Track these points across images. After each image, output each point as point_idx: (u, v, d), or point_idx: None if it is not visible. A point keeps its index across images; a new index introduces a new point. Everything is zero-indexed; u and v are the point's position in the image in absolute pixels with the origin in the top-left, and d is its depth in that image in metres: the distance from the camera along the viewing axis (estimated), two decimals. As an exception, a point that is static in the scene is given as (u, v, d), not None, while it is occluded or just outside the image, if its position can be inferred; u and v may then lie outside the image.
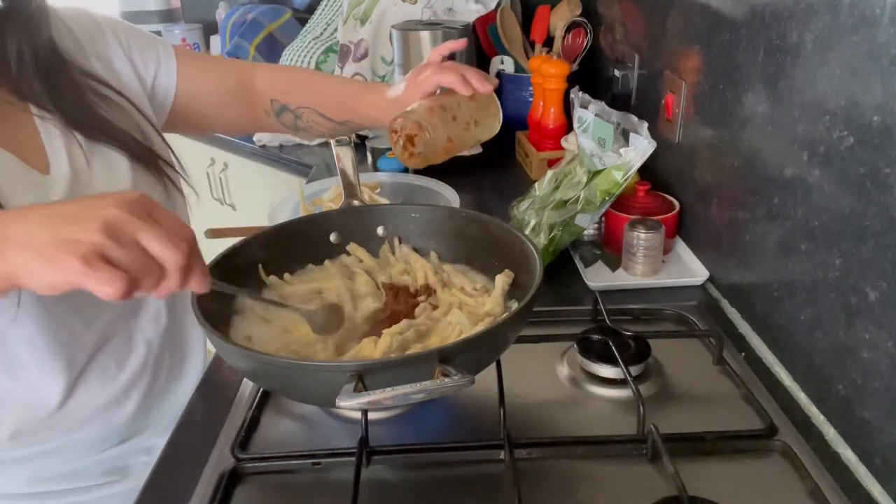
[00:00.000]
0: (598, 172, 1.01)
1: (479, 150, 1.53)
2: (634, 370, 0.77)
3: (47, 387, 0.76)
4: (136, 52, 0.86)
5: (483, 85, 0.83)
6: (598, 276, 1.02)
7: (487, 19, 1.65)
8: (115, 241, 0.47)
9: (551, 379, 0.80)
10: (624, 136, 1.00)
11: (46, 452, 0.78)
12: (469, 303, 0.76)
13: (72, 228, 0.47)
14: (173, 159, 0.87)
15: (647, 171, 1.10)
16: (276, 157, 1.70)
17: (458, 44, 0.90)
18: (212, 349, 0.76)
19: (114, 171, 0.78)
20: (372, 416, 0.71)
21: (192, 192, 0.89)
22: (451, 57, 0.93)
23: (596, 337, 0.81)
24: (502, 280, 0.76)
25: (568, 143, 1.31)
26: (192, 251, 0.52)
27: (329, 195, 1.13)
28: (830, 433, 0.70)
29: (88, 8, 0.85)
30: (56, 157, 0.74)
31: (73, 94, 0.76)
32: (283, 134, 1.04)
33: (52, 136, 0.74)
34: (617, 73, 1.38)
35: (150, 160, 0.81)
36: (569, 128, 1.33)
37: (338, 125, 0.94)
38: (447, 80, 0.83)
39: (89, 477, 0.81)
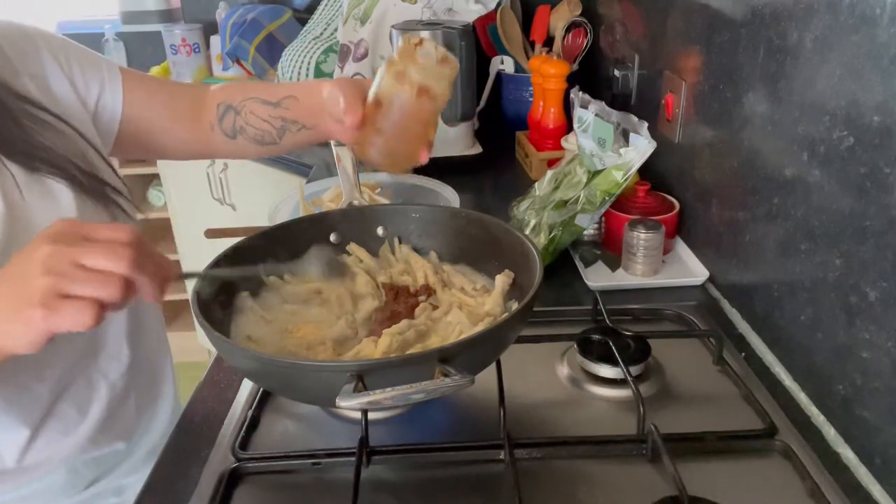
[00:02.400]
0: (598, 172, 1.01)
1: (479, 150, 1.53)
2: (634, 370, 0.77)
3: (2, 445, 0.72)
4: (78, 73, 0.78)
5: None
6: (598, 276, 1.02)
7: (487, 19, 1.65)
8: (61, 275, 0.48)
9: (551, 379, 0.80)
10: (624, 136, 1.00)
11: (11, 502, 0.75)
12: (469, 303, 0.76)
13: (19, 286, 0.48)
14: (121, 185, 0.80)
15: (647, 171, 1.10)
16: (276, 157, 1.69)
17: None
18: (211, 351, 0.75)
19: (56, 202, 0.71)
20: (372, 416, 0.71)
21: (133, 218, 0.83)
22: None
23: (596, 337, 0.81)
24: (502, 280, 0.76)
25: (568, 143, 1.32)
26: (138, 248, 0.51)
27: (329, 195, 1.13)
28: (830, 433, 0.70)
29: (19, 21, 0.76)
30: None
31: (4, 119, 0.68)
32: (222, 158, 0.99)
33: None
34: (617, 73, 1.38)
35: (96, 189, 0.74)
36: (569, 128, 1.33)
37: (274, 107, 0.87)
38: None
39: None
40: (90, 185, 0.74)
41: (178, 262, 2.46)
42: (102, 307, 0.49)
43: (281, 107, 0.87)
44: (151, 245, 0.53)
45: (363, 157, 0.76)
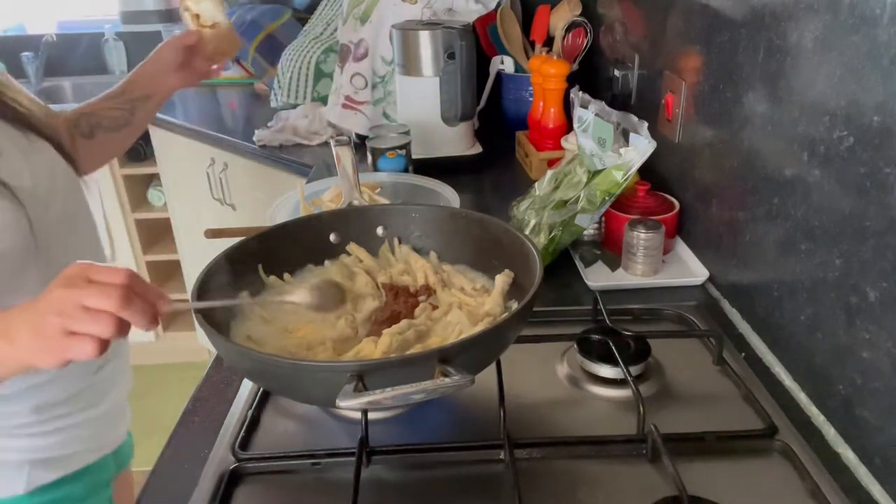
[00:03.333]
0: (598, 172, 1.01)
1: (479, 150, 1.53)
2: (634, 370, 0.77)
3: None
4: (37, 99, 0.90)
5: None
6: (598, 276, 1.02)
7: (487, 19, 1.65)
8: (66, 316, 0.57)
9: (551, 379, 0.80)
10: (624, 136, 1.00)
11: (49, 381, 0.82)
12: (469, 303, 0.76)
13: (39, 321, 0.58)
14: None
15: (647, 171, 1.10)
16: (276, 157, 1.69)
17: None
18: (211, 351, 0.75)
19: (53, 156, 0.81)
20: (372, 416, 0.71)
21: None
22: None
23: (596, 337, 0.81)
24: (502, 280, 0.76)
25: (568, 143, 1.32)
26: (129, 288, 0.58)
27: (329, 195, 1.13)
28: (830, 433, 0.70)
29: None
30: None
31: None
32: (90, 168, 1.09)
33: None
34: (617, 73, 1.38)
35: (72, 161, 0.86)
36: (569, 128, 1.33)
37: (119, 95, 1.00)
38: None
39: (79, 403, 0.86)
40: (69, 157, 0.85)
41: (178, 262, 2.46)
42: (103, 339, 0.58)
43: (125, 93, 1.01)
44: (144, 283, 0.60)
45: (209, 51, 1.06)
